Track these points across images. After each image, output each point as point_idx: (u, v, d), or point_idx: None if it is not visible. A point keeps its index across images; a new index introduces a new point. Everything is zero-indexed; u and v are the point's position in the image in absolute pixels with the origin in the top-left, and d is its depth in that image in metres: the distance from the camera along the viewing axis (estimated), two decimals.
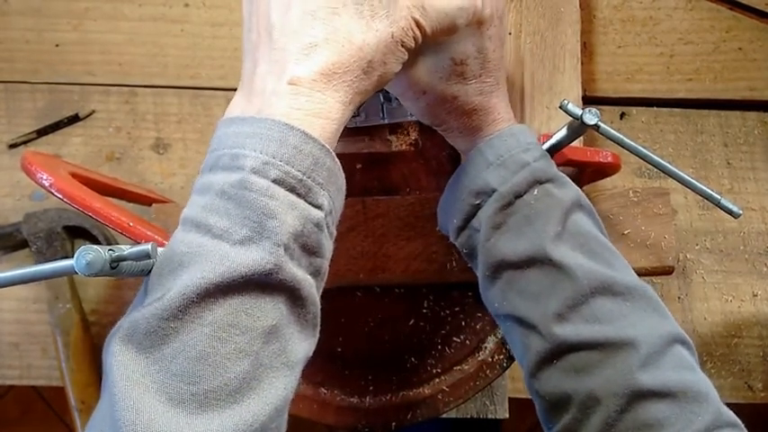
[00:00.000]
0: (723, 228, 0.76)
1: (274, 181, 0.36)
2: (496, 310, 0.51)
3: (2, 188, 0.75)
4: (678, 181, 0.56)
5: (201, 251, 0.35)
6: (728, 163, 0.77)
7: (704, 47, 0.77)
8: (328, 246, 0.41)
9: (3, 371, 0.73)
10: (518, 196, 0.48)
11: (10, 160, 0.75)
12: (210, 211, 0.36)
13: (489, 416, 0.77)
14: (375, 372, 0.66)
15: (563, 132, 0.57)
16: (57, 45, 0.77)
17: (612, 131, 0.53)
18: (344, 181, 0.42)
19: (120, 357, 0.34)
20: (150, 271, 0.38)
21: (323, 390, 0.65)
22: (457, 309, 0.65)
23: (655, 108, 0.78)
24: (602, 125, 0.52)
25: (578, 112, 0.52)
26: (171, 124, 0.76)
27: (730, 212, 0.56)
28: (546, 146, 0.60)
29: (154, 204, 0.64)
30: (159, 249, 0.37)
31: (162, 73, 0.77)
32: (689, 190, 0.56)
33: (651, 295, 0.47)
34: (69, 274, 0.35)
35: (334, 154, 0.39)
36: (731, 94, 0.77)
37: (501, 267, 0.49)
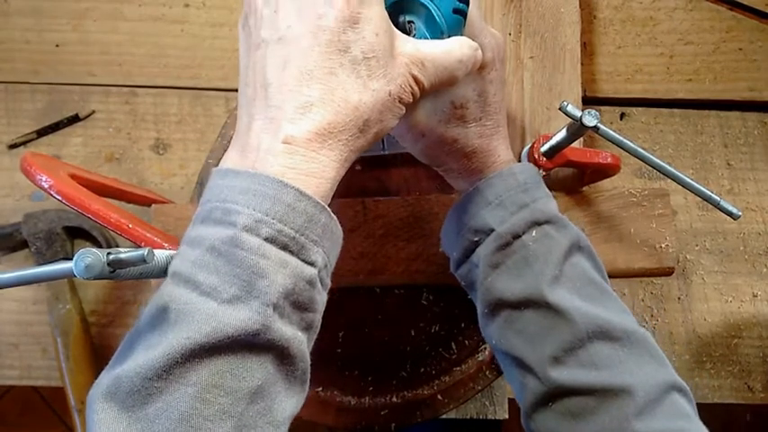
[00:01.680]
0: (723, 228, 0.76)
1: (266, 239, 0.36)
2: (495, 346, 0.51)
3: (2, 189, 0.75)
4: (677, 182, 0.56)
5: (188, 309, 0.35)
6: (728, 164, 0.77)
7: (704, 47, 0.77)
8: (321, 300, 0.40)
9: (2, 371, 0.73)
10: (516, 237, 0.48)
11: (10, 161, 0.75)
12: (200, 267, 0.36)
13: (489, 416, 0.77)
14: (375, 372, 0.66)
15: (563, 134, 0.57)
16: (57, 45, 0.77)
17: (612, 133, 0.53)
18: (341, 232, 0.41)
19: (102, 415, 0.34)
20: (149, 274, 0.37)
21: (323, 390, 0.65)
22: (456, 310, 0.65)
23: (655, 108, 0.78)
24: (601, 127, 0.52)
25: (578, 113, 0.52)
26: (171, 125, 0.76)
27: (730, 214, 0.56)
28: (546, 147, 0.60)
29: (153, 205, 0.63)
30: (156, 252, 0.37)
31: (162, 73, 0.77)
32: (688, 191, 0.56)
33: (649, 341, 0.47)
34: (68, 276, 0.35)
35: (329, 210, 0.39)
36: (731, 95, 0.77)
37: (499, 306, 0.49)
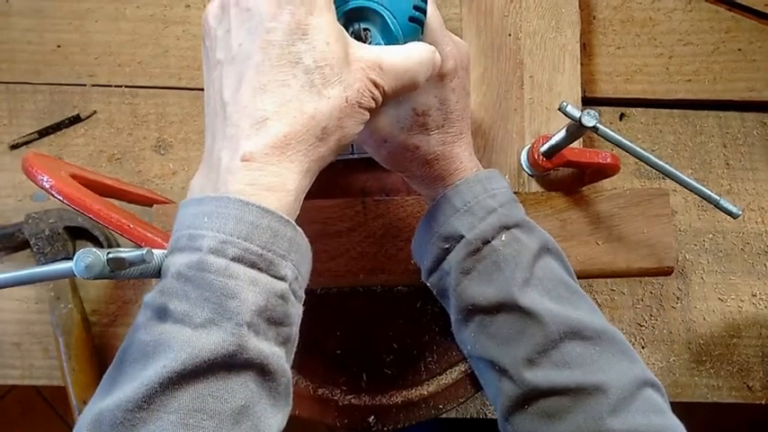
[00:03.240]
0: (722, 228, 0.76)
1: (233, 259, 0.36)
2: (469, 352, 0.51)
3: (3, 189, 0.75)
4: (676, 182, 0.56)
5: (163, 338, 0.35)
6: (727, 164, 0.77)
7: (703, 48, 0.78)
8: (296, 312, 0.40)
9: (4, 370, 0.73)
10: (486, 242, 0.48)
11: (11, 161, 0.76)
12: (170, 295, 0.36)
13: (489, 416, 0.77)
14: (375, 372, 0.66)
15: (562, 134, 0.57)
16: (58, 46, 0.77)
17: (611, 133, 0.53)
18: (308, 244, 0.41)
19: None
20: (149, 274, 0.38)
21: (323, 390, 0.65)
22: None
23: (654, 109, 0.78)
24: (600, 127, 0.52)
25: (577, 114, 0.52)
26: (172, 125, 0.76)
27: (729, 213, 0.56)
28: (545, 147, 0.61)
29: (155, 205, 0.64)
30: (156, 252, 0.38)
31: (163, 74, 0.77)
32: (688, 190, 0.57)
33: (619, 339, 0.47)
34: (68, 276, 0.35)
35: (293, 222, 0.39)
36: (730, 95, 0.77)
37: (472, 312, 0.49)
